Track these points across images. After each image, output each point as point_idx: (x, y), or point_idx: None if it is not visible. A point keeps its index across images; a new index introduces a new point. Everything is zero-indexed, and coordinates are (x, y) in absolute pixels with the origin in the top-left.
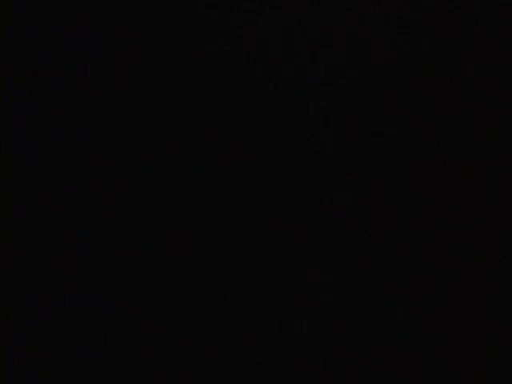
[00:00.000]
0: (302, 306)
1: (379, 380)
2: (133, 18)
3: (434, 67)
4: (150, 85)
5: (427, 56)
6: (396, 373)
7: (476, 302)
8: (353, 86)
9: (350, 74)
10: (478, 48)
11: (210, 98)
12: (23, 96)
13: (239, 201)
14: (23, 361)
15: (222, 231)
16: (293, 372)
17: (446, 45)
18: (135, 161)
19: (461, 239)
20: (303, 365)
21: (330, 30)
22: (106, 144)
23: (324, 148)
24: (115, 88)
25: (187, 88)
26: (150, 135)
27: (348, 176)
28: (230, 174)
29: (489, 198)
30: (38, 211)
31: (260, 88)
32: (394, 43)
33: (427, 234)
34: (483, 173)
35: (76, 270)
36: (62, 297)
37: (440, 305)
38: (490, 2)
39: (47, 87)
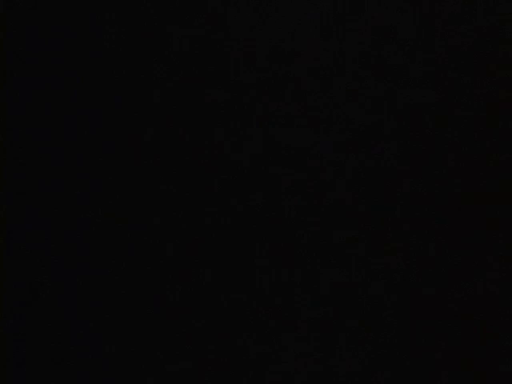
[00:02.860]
0: (301, 306)
1: (379, 380)
2: (133, 18)
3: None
4: (150, 85)
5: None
6: (396, 373)
7: (476, 302)
8: (353, 86)
9: (350, 74)
10: (478, 48)
11: (210, 98)
12: (23, 96)
13: (239, 201)
14: (23, 361)
15: (221, 231)
16: (293, 372)
17: (446, 45)
18: (135, 161)
19: (461, 239)
20: (303, 365)
21: (329, 29)
22: (105, 144)
23: (324, 148)
24: (115, 88)
25: (187, 88)
26: (149, 135)
27: (348, 176)
28: (230, 173)
29: (489, 198)
30: (38, 211)
31: (260, 88)
32: None
33: (427, 233)
34: (483, 173)
35: (76, 269)
36: (62, 297)
37: (440, 305)
38: (489, 2)
39: (47, 87)
